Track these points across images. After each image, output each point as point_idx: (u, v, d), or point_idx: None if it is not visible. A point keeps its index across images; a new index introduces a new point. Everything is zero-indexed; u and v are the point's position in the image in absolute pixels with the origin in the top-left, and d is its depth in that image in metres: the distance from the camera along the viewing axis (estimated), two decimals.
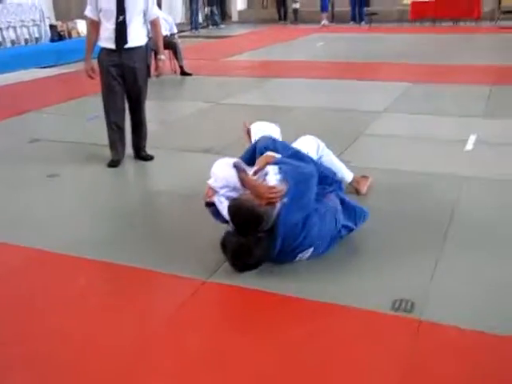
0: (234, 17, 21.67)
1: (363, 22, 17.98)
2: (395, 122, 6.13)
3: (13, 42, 11.57)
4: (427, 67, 9.72)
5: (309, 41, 14.67)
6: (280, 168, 3.11)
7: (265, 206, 2.93)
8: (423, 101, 7.19)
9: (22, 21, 11.77)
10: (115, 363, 2.38)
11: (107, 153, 4.95)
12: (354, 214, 3.32)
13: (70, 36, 12.78)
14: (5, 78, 9.70)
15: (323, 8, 18.36)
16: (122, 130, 4.94)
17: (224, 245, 2.99)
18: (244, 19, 21.10)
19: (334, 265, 3.10)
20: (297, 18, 19.58)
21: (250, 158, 3.40)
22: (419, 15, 17.06)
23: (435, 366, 2.32)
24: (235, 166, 3.12)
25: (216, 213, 3.19)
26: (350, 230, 3.31)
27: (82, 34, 13.10)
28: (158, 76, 5.21)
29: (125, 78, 4.75)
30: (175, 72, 9.72)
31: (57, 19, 13.54)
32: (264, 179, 3.10)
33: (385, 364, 2.34)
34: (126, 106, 4.92)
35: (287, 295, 2.84)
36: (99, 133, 5.09)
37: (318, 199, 3.14)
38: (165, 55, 5.19)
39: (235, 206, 2.96)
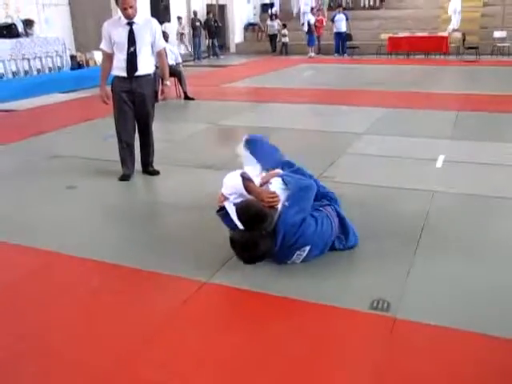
0: (232, 48, 21.81)
1: (345, 54, 18.10)
2: (373, 143, 6.13)
3: (38, 71, 11.58)
4: (402, 94, 9.77)
5: (297, 70, 14.74)
6: (283, 179, 3.26)
7: (268, 209, 3.03)
8: (398, 124, 7.21)
9: (47, 52, 11.80)
10: (118, 356, 2.35)
11: (119, 168, 4.94)
12: (347, 232, 3.31)
13: (87, 65, 12.82)
14: (30, 102, 9.71)
15: (310, 42, 18.53)
16: (132, 148, 4.94)
17: (232, 239, 3.03)
18: (241, 51, 21.24)
19: (320, 269, 3.08)
20: (286, 51, 19.65)
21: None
22: (395, 48, 17.23)
23: (408, 359, 2.31)
24: (242, 175, 3.18)
25: (225, 216, 3.21)
26: (343, 245, 3.29)
27: (98, 63, 13.12)
28: (164, 100, 5.21)
29: (135, 103, 4.76)
30: (179, 97, 9.73)
31: (77, 50, 13.58)
32: (266, 187, 3.24)
33: (361, 358, 2.32)
34: (136, 126, 4.91)
35: (275, 295, 2.81)
36: (112, 150, 5.08)
37: (316, 209, 3.22)
38: (170, 82, 5.19)
39: (243, 205, 3.05)
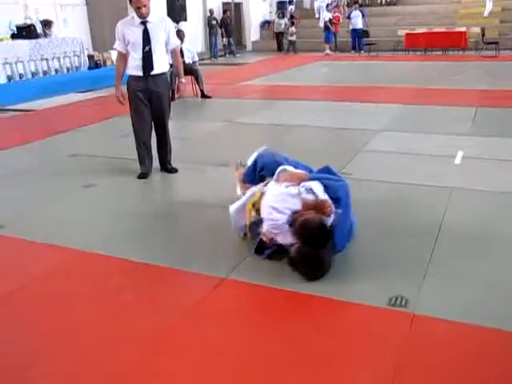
0: (248, 47, 21.80)
1: (362, 51, 18.00)
2: (391, 140, 6.10)
3: (56, 71, 11.72)
4: (420, 90, 9.69)
5: (313, 67, 14.70)
6: (322, 183, 3.11)
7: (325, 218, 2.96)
8: (416, 120, 7.16)
9: (65, 52, 11.94)
10: (138, 350, 2.39)
11: (137, 166, 4.98)
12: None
13: (105, 64, 12.92)
14: (49, 102, 9.83)
15: (327, 39, 18.44)
16: (149, 146, 4.99)
17: (298, 260, 2.92)
18: (257, 49, 21.23)
19: (338, 266, 3.07)
20: (294, 49, 19.30)
21: (253, 174, 3.53)
22: (412, 45, 17.05)
23: (427, 354, 2.30)
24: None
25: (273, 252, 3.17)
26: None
27: (115, 63, 13.25)
28: (180, 98, 5.24)
29: (151, 102, 4.80)
30: (196, 95, 9.77)
31: (94, 50, 13.72)
32: (314, 194, 3.05)
33: (381, 354, 2.32)
34: (152, 125, 4.96)
35: (295, 292, 2.83)
36: (130, 149, 5.13)
37: None
38: (185, 79, 5.20)
39: (308, 225, 2.88)
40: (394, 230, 3.53)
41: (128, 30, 4.63)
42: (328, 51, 18.30)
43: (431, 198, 4.14)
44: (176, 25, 14.56)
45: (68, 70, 12.01)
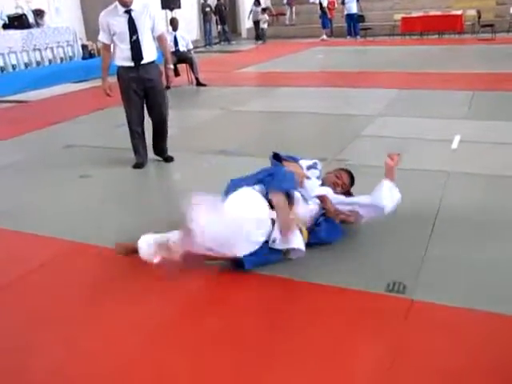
0: (243, 34, 21.63)
1: (358, 36, 17.88)
2: (388, 125, 6.07)
3: (50, 61, 11.64)
4: (416, 75, 9.64)
5: (310, 54, 14.60)
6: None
7: None
8: (412, 105, 7.12)
9: (58, 42, 11.85)
10: (135, 341, 2.38)
11: (132, 156, 4.95)
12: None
13: (99, 54, 12.78)
14: (43, 92, 9.77)
15: (324, 25, 18.29)
16: (143, 136, 4.94)
17: None
18: (252, 36, 21.05)
19: (335, 252, 3.07)
20: (263, 37, 18.75)
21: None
22: (408, 29, 16.96)
23: (424, 339, 2.30)
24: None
25: None
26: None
27: (101, 54, 13.13)
28: (169, 84, 5.12)
29: (145, 91, 4.73)
30: (192, 83, 9.71)
31: (88, 39, 13.59)
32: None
33: (379, 340, 2.31)
34: (144, 115, 4.90)
35: (292, 279, 2.82)
36: (125, 139, 5.09)
37: None
38: (171, 65, 5.10)
39: None
40: (391, 215, 3.50)
41: (113, 21, 4.52)
42: (324, 37, 18.19)
43: (428, 183, 4.12)
44: (170, 12, 14.46)
45: (62, 60, 11.93)
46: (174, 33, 9.53)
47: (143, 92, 4.74)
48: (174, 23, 9.64)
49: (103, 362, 2.26)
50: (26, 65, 11.07)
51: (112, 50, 4.75)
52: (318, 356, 2.23)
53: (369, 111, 6.73)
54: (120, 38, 4.57)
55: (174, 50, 9.04)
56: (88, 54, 12.47)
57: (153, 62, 4.74)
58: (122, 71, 4.70)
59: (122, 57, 4.63)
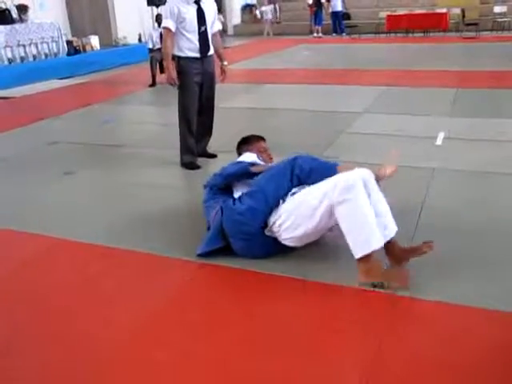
0: (230, 31, 21.59)
1: (344, 34, 17.92)
2: (373, 122, 6.10)
3: (34, 57, 11.51)
4: (401, 72, 9.69)
5: (296, 51, 14.61)
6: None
7: None
8: (398, 102, 7.16)
9: (43, 38, 11.71)
10: (121, 337, 2.37)
11: (118, 152, 4.92)
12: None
13: (84, 50, 12.72)
14: (27, 89, 9.66)
15: (317, 21, 18.23)
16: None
17: None
18: (238, 32, 21.06)
19: (319, 248, 3.07)
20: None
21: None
22: (394, 27, 17.05)
23: (410, 336, 2.31)
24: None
25: None
26: None
27: (94, 48, 13.05)
28: (223, 80, 4.98)
29: (203, 85, 4.62)
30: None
31: (73, 35, 13.47)
32: None
33: (364, 336, 2.32)
34: None
35: (279, 275, 2.81)
36: (111, 135, 5.06)
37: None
38: (226, 62, 4.94)
39: None
40: (376, 212, 3.51)
41: (183, 8, 4.38)
42: (316, 34, 18.10)
43: (413, 179, 4.15)
44: (156, 8, 14.36)
45: (46, 56, 11.80)
46: (159, 29, 9.46)
47: (201, 85, 4.62)
48: (159, 19, 9.58)
49: (86, 359, 2.25)
50: (10, 60, 10.94)
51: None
52: (302, 352, 2.23)
53: (355, 108, 6.75)
54: (188, 27, 4.42)
55: (159, 46, 8.99)
56: (73, 50, 12.36)
57: (212, 56, 4.65)
58: (186, 63, 4.51)
59: (189, 47, 4.48)
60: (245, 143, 3.66)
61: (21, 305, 2.70)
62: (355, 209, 2.61)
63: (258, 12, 20.02)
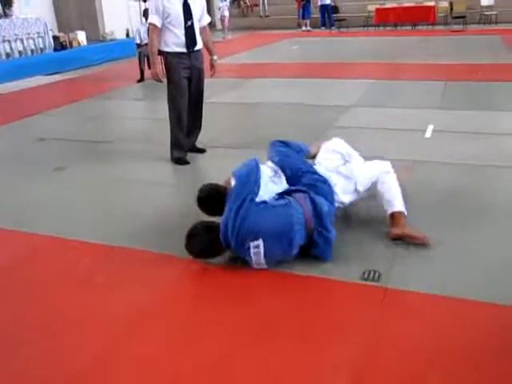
0: (218, 25, 21.47)
1: (333, 27, 17.91)
2: (361, 115, 6.11)
3: (20, 53, 11.40)
4: (389, 66, 9.72)
5: (284, 45, 14.60)
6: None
7: None
8: (386, 95, 7.18)
9: (28, 33, 11.59)
10: (112, 334, 2.37)
11: (106, 148, 4.89)
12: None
13: (71, 46, 12.60)
14: (13, 85, 9.57)
15: (305, 14, 18.16)
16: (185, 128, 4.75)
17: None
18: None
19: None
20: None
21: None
22: (382, 20, 17.08)
23: (398, 325, 2.34)
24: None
25: None
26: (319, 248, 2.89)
27: (81, 44, 12.95)
28: (212, 75, 4.94)
29: (191, 80, 4.59)
30: (165, 75, 9.60)
31: (59, 31, 13.34)
32: None
33: (354, 328, 2.35)
34: None
35: (269, 270, 2.82)
36: (98, 131, 5.04)
37: (282, 195, 2.94)
38: (216, 56, 4.88)
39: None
40: (364, 205, 3.53)
41: (168, 3, 4.34)
42: (304, 28, 18.04)
43: (401, 172, 4.16)
44: (144, 3, 14.28)
45: (32, 52, 11.68)
46: (147, 24, 9.41)
47: (189, 80, 4.59)
48: (147, 14, 9.49)
49: (81, 355, 2.25)
50: None
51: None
52: (292, 345, 2.25)
53: (343, 102, 6.76)
54: (174, 23, 4.38)
55: (147, 41, 8.93)
56: (60, 45, 12.24)
57: (200, 50, 4.61)
58: (172, 57, 4.49)
59: (175, 42, 4.44)
60: None
61: (10, 303, 2.69)
62: (395, 181, 3.25)
63: (216, 9, 19.42)
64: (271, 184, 3.04)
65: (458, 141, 4.93)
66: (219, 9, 18.48)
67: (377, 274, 2.72)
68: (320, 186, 3.00)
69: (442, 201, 3.63)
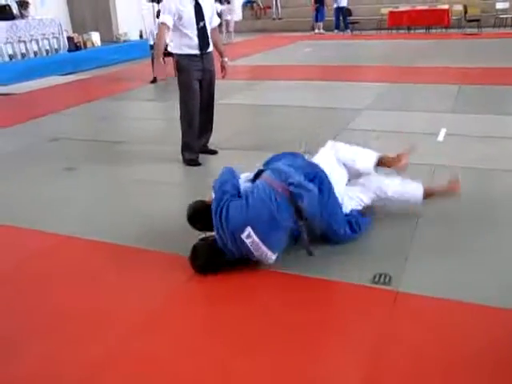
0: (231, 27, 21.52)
1: (348, 30, 17.84)
2: (375, 118, 6.09)
3: (35, 53, 11.51)
4: (403, 69, 9.67)
5: (297, 47, 14.58)
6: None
7: None
8: (399, 99, 7.15)
9: (43, 34, 11.70)
10: (122, 332, 2.38)
11: (118, 148, 4.92)
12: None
13: (85, 46, 12.70)
14: (28, 85, 9.66)
15: (319, 17, 18.08)
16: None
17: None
18: (239, 29, 20.94)
19: (320, 245, 3.07)
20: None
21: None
22: (396, 23, 17.00)
23: (409, 330, 2.33)
24: None
25: None
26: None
27: (95, 45, 13.04)
28: (223, 77, 4.95)
29: (202, 81, 4.60)
30: None
31: (73, 32, 13.45)
32: None
33: (364, 331, 2.33)
34: None
35: (280, 272, 2.82)
36: (111, 131, 5.06)
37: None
38: (226, 58, 4.91)
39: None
40: (378, 209, 3.52)
41: (181, 6, 4.35)
42: (317, 30, 17.95)
43: (414, 176, 4.13)
44: (157, 5, 14.34)
45: (47, 52, 11.80)
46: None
47: (200, 82, 4.60)
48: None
49: (88, 353, 2.26)
50: (11, 57, 10.94)
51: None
52: (302, 347, 2.24)
53: (356, 105, 6.74)
54: (186, 24, 4.38)
55: None
56: (74, 46, 12.34)
57: (211, 52, 4.62)
58: (185, 60, 4.50)
59: (188, 44, 4.44)
60: None
61: (22, 300, 2.71)
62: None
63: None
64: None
65: (471, 144, 4.89)
66: (219, 13, 18.31)
67: (388, 278, 2.71)
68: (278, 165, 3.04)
69: (456, 205, 3.58)
